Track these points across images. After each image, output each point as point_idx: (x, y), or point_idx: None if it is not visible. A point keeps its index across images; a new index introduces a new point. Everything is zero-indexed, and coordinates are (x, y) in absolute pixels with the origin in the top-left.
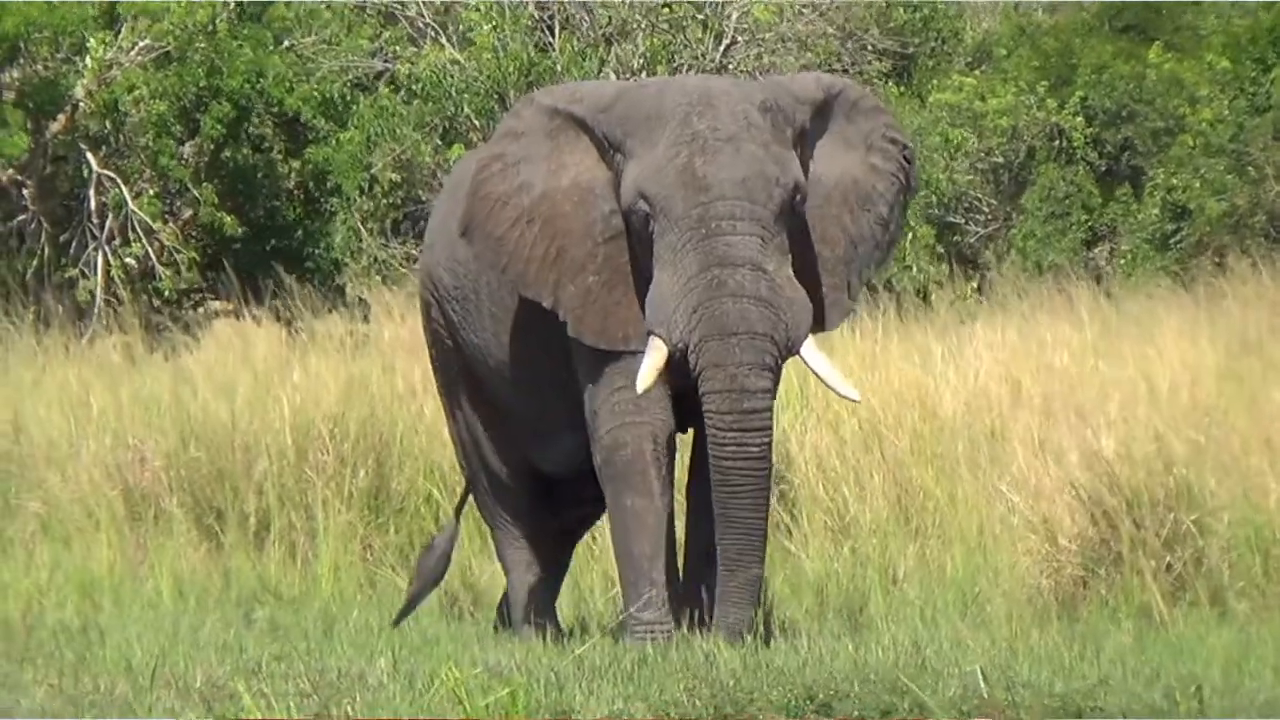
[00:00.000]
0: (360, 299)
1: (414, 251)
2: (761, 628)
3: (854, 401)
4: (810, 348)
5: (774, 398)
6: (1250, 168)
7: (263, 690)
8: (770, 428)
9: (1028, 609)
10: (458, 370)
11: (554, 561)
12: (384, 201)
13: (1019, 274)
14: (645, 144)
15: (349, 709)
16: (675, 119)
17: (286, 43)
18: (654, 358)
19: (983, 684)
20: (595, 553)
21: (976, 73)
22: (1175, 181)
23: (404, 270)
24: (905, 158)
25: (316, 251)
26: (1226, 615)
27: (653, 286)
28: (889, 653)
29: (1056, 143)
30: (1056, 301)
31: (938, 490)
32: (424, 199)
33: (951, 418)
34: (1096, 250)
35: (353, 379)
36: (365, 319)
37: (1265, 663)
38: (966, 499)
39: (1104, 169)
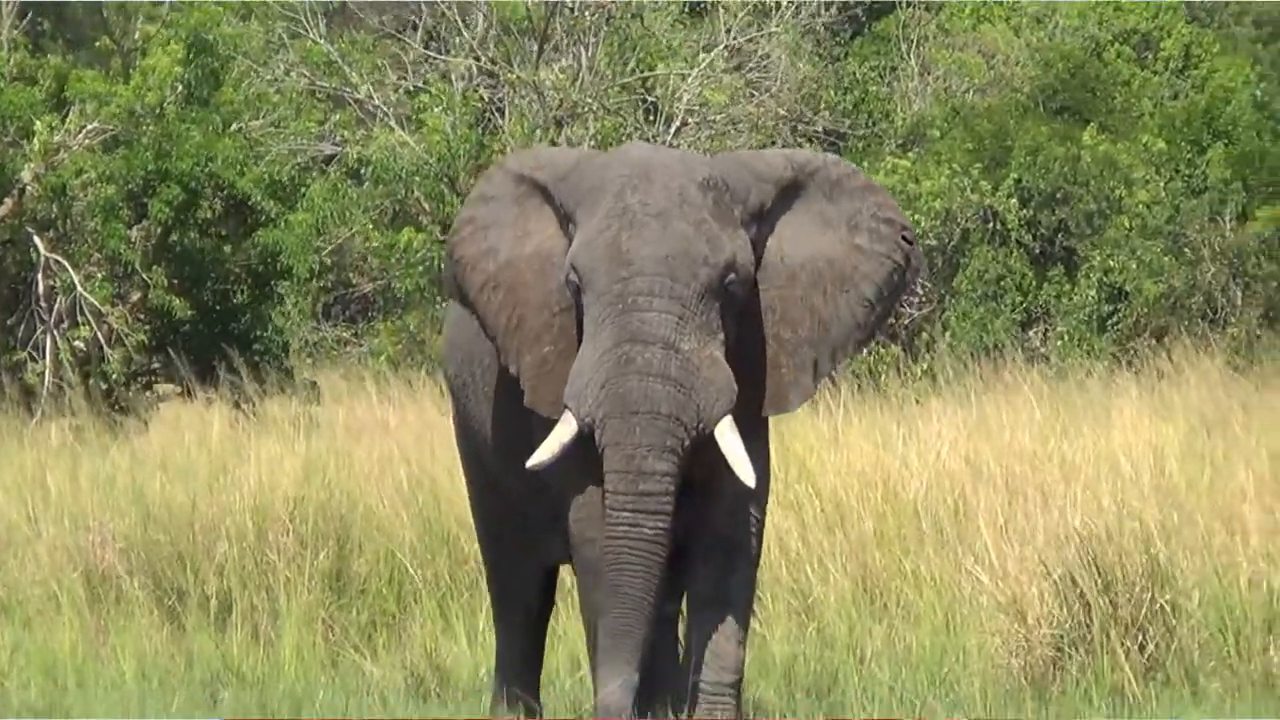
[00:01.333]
0: (312, 382)
1: (344, 335)
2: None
3: (747, 485)
4: (724, 428)
5: (675, 481)
6: (1187, 249)
7: None
8: (667, 512)
9: (998, 689)
10: (474, 460)
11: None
12: (316, 285)
13: (959, 356)
14: (588, 215)
15: None
16: (611, 192)
17: (235, 126)
18: (561, 431)
19: None
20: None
21: (910, 155)
22: (1112, 263)
23: (336, 352)
24: (904, 238)
25: (265, 334)
26: (1198, 694)
27: (575, 360)
28: None
29: (990, 225)
30: (1004, 382)
31: (903, 570)
32: (353, 283)
33: (914, 498)
34: (1032, 332)
35: (310, 461)
36: (316, 401)
37: None
38: (932, 579)
39: (1038, 251)
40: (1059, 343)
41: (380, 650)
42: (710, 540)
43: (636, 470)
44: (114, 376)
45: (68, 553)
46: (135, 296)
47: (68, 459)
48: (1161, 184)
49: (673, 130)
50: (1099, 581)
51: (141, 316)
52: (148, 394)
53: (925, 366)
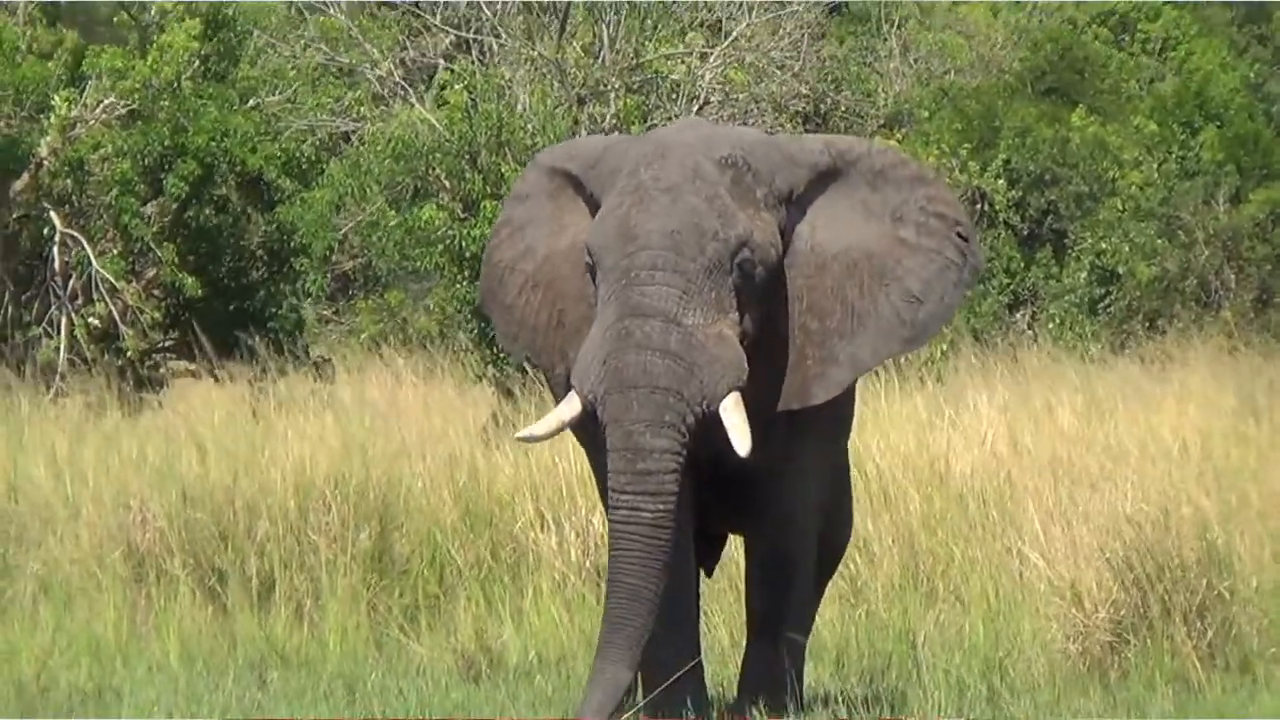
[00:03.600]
0: (326, 359)
1: (325, 312)
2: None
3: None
4: (729, 405)
5: (678, 459)
6: (1180, 232)
7: None
8: (670, 493)
9: (1058, 675)
10: None
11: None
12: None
13: (958, 338)
14: (607, 197)
15: None
16: (627, 169)
17: (251, 102)
18: (564, 409)
19: None
20: None
21: (898, 135)
22: (1104, 245)
23: (316, 330)
24: (959, 234)
25: (280, 312)
26: (1258, 683)
27: (586, 340)
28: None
29: (979, 206)
30: (1024, 366)
31: (951, 554)
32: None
33: (960, 481)
34: (1019, 314)
35: (348, 439)
36: (329, 379)
37: None
38: (983, 563)
39: (1026, 233)
40: (1050, 326)
41: (424, 632)
42: (760, 556)
43: (635, 448)
44: (129, 353)
45: (108, 531)
46: (150, 273)
47: (97, 437)
48: (1154, 166)
49: (695, 110)
50: (1156, 567)
51: (156, 293)
52: (160, 372)
53: (943, 349)
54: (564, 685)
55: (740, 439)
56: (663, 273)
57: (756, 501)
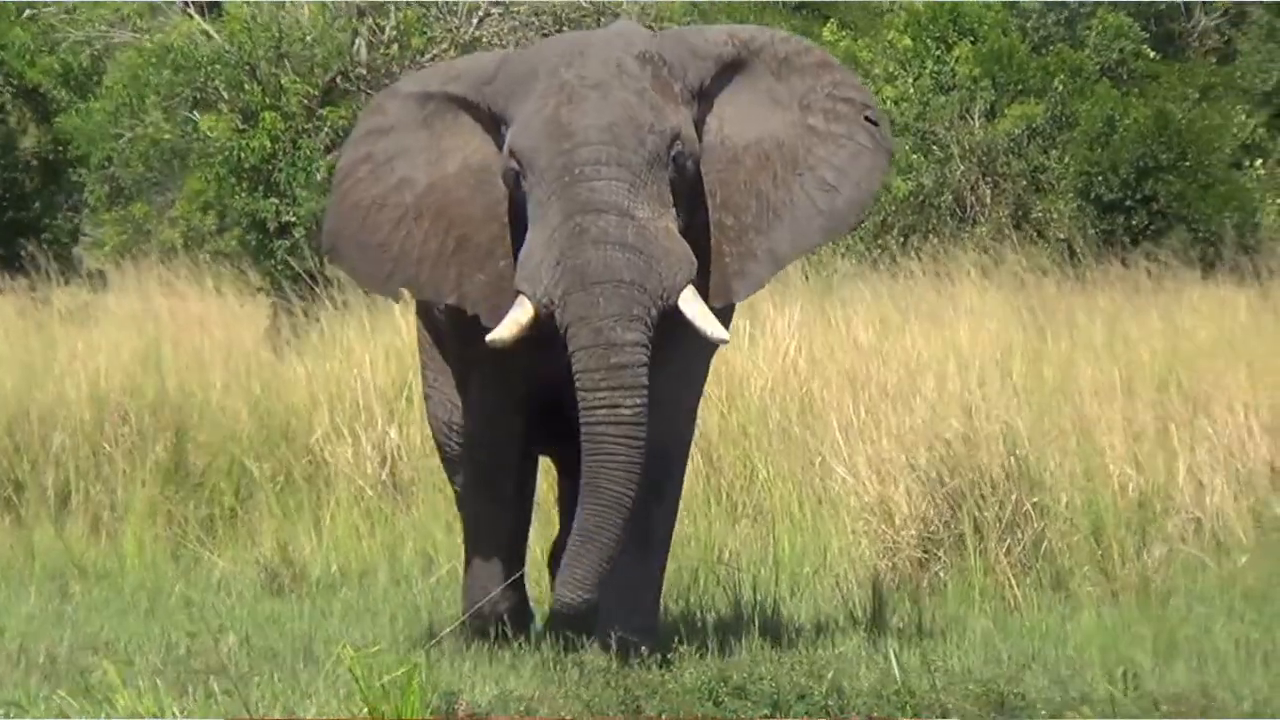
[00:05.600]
0: (100, 270)
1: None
2: None
3: (724, 343)
4: (688, 296)
5: (647, 352)
6: (935, 147)
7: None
8: (644, 386)
9: (865, 589)
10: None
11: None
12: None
13: None
14: (521, 104)
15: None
16: (545, 71)
17: (28, 14)
18: (518, 313)
19: (896, 667)
20: None
21: None
22: None
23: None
24: (868, 119)
25: (54, 223)
26: (1072, 598)
27: (524, 246)
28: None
29: None
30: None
31: (752, 468)
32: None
33: (758, 395)
34: None
35: (142, 351)
36: (103, 289)
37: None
38: (785, 477)
39: None
40: None
41: (223, 544)
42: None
43: (606, 343)
44: None
45: None
46: None
47: None
48: (909, 81)
49: (475, 21)
50: (967, 482)
51: None
52: None
53: None
54: (368, 598)
55: (712, 326)
56: (607, 166)
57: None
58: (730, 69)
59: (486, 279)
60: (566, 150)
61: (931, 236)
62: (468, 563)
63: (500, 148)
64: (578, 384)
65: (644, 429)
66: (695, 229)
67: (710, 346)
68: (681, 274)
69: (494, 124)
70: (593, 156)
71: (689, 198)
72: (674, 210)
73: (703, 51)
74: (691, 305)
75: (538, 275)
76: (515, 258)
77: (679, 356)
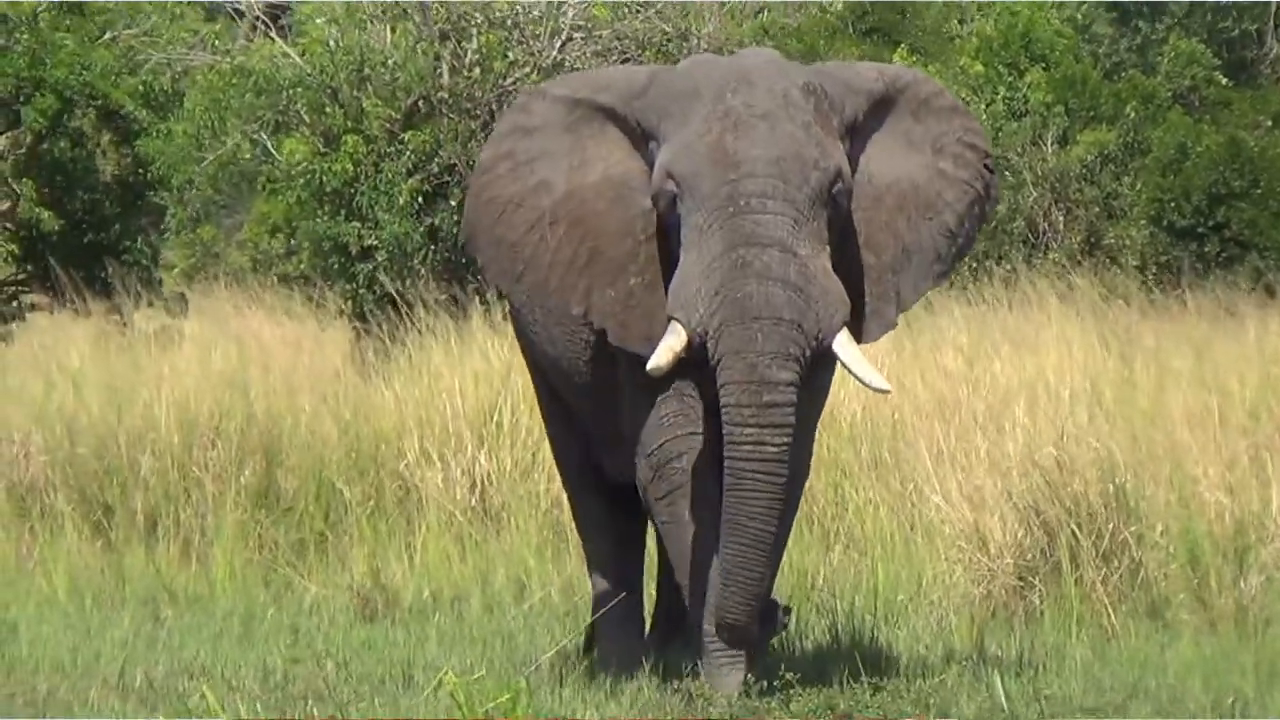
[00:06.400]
0: (181, 295)
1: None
2: None
3: (886, 393)
4: (843, 340)
5: (797, 392)
6: (1008, 173)
7: (230, 685)
8: (791, 426)
9: (962, 618)
10: (539, 376)
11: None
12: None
13: None
14: (679, 124)
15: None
16: (709, 95)
17: (109, 35)
18: (671, 340)
19: (1002, 695)
20: None
21: None
22: None
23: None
24: (986, 166)
25: (134, 246)
26: (1170, 628)
27: (677, 270)
28: (864, 656)
29: None
30: None
31: (842, 496)
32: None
33: (849, 423)
34: None
35: (229, 375)
36: (183, 314)
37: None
38: (877, 505)
39: None
40: None
41: (313, 569)
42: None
43: (760, 380)
44: None
45: None
46: (4, 206)
47: None
48: (981, 107)
49: (558, 45)
50: (1063, 510)
51: (10, 227)
52: (14, 305)
53: None
54: (461, 624)
55: (869, 373)
56: (773, 200)
57: None
58: (880, 106)
59: (616, 295)
60: (733, 180)
61: (1004, 263)
62: (692, 592)
63: (644, 163)
64: (725, 417)
65: (787, 467)
66: (840, 267)
67: (832, 369)
68: (838, 315)
69: (641, 139)
70: (759, 189)
71: (839, 235)
72: (828, 250)
73: (857, 86)
74: (847, 350)
75: (694, 303)
76: (647, 276)
77: (814, 379)
